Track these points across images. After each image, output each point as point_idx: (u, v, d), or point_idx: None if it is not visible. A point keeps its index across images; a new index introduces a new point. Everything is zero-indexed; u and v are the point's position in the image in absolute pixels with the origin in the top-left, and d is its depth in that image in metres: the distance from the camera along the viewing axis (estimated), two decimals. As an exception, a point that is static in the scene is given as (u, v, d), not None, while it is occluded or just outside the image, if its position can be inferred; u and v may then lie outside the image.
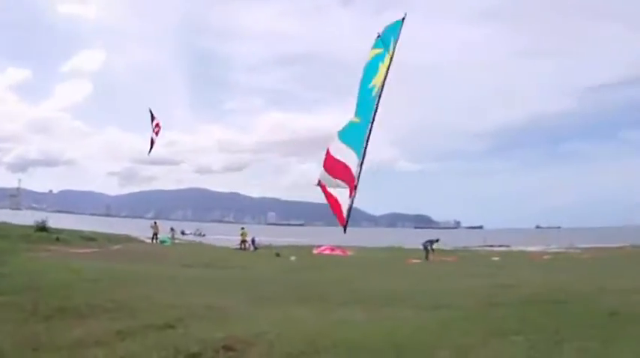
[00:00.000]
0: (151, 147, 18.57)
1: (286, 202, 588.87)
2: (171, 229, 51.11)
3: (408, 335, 7.80)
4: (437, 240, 38.52)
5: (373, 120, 7.54)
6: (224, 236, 59.29)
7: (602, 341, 7.31)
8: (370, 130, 7.52)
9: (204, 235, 57.44)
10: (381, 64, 7.76)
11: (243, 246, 44.26)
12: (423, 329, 8.35)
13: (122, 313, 9.12)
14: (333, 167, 7.68)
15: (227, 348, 6.67)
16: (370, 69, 7.98)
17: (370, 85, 7.68)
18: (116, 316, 8.84)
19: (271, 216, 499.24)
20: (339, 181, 7.70)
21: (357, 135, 7.53)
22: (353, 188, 7.63)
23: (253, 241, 46.32)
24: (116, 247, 33.20)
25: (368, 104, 7.61)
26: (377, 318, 9.60)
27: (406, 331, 8.12)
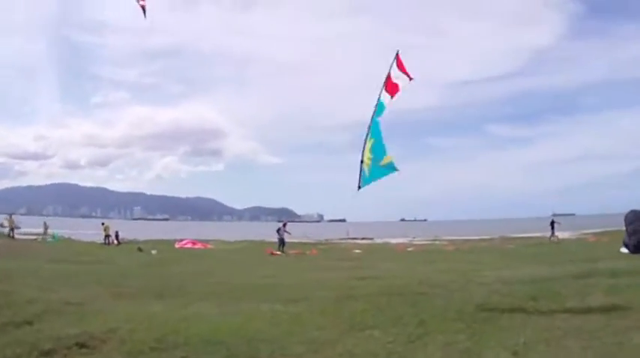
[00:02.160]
0: (145, 13, 17.32)
1: (151, 196, 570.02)
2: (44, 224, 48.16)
3: (260, 329, 7.49)
4: (284, 224, 35.93)
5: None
6: (92, 231, 55.73)
7: (469, 334, 6.93)
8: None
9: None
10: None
11: (107, 241, 42.11)
12: (276, 322, 8.02)
13: (-18, 311, 8.46)
14: None
15: (80, 345, 6.39)
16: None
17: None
18: (-24, 314, 8.20)
19: (137, 210, 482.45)
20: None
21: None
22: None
23: (117, 235, 44.28)
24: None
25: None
26: (231, 312, 9.13)
27: (258, 325, 7.79)
